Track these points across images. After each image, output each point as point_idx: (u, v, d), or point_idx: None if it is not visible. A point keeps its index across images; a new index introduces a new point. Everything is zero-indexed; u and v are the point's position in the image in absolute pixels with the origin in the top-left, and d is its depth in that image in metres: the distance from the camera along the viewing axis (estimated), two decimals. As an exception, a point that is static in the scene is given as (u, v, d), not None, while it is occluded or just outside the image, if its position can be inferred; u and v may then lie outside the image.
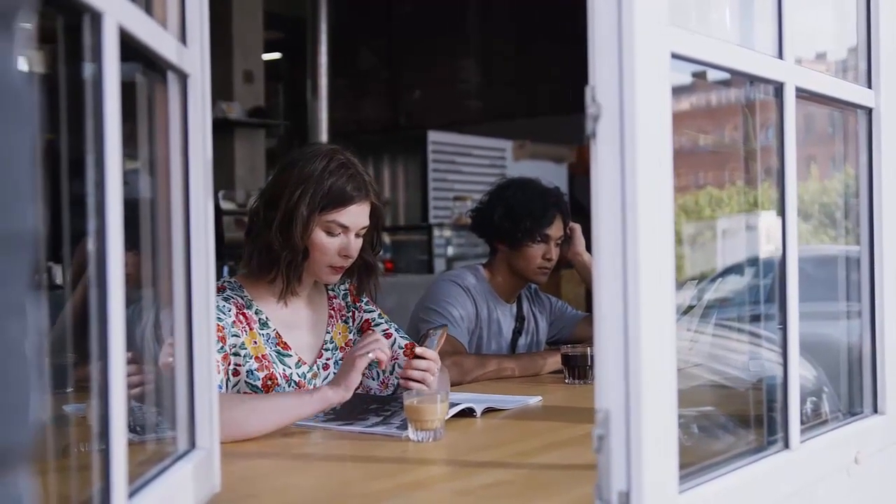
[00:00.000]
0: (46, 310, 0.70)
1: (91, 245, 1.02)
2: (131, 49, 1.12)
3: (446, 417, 1.94)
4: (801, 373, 1.59)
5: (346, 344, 2.39)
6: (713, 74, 1.56)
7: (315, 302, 2.38)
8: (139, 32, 1.13)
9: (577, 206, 4.88)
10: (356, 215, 2.22)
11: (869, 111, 1.84)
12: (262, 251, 2.22)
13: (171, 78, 1.35)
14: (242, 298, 2.24)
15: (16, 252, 0.58)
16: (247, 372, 2.17)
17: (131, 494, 1.09)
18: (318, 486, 1.64)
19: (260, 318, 2.25)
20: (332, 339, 2.38)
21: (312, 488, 1.63)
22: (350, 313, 2.43)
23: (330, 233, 2.21)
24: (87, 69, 1.03)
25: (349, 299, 2.44)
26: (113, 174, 1.02)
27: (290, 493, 1.61)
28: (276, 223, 2.19)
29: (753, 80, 1.58)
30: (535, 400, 2.38)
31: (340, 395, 2.00)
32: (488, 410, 2.21)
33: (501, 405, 2.26)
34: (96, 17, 1.00)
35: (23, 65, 0.61)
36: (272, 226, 2.19)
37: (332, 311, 2.41)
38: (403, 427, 1.93)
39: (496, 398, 2.31)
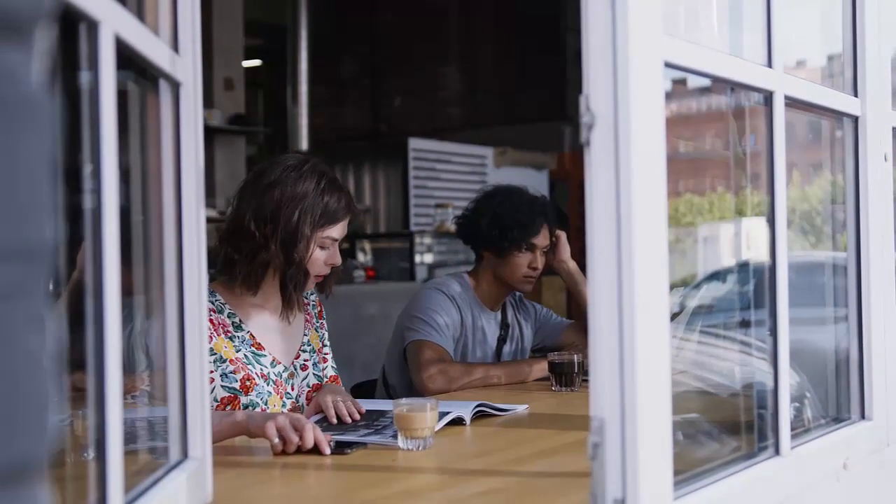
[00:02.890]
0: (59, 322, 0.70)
1: (87, 254, 1.02)
2: (124, 57, 1.11)
3: (438, 428, 1.94)
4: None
5: (318, 350, 2.47)
6: (693, 81, 1.56)
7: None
8: (134, 41, 1.12)
9: (558, 213, 4.89)
10: (344, 227, 2.34)
11: (855, 119, 1.85)
12: (260, 268, 2.27)
13: (164, 86, 1.34)
14: (213, 303, 2.27)
15: (34, 264, 0.58)
16: (222, 376, 2.21)
17: (127, 505, 1.09)
18: (309, 497, 1.64)
19: (233, 322, 2.29)
20: (308, 341, 2.45)
21: (304, 498, 1.62)
22: (318, 324, 2.53)
23: (323, 247, 2.30)
24: (83, 77, 1.02)
25: (316, 311, 2.53)
26: (109, 182, 1.02)
27: (282, 503, 1.61)
28: (278, 243, 2.24)
29: (744, 88, 1.60)
30: (522, 408, 2.38)
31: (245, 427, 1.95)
32: (479, 415, 2.21)
33: (491, 408, 2.27)
34: (93, 26, 1.00)
35: (40, 76, 0.60)
36: (269, 244, 2.24)
37: (308, 316, 2.48)
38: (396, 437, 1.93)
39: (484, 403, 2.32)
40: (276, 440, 1.83)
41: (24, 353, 0.56)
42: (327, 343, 2.55)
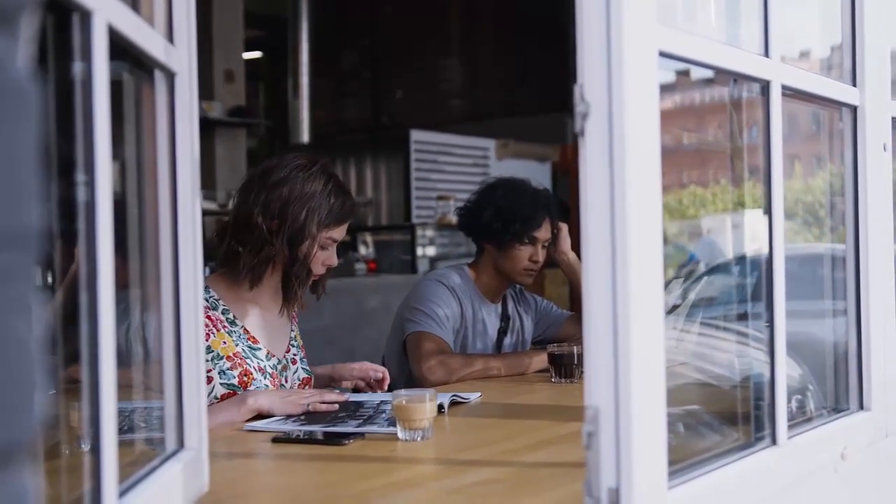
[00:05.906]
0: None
1: (80, 246, 1.02)
2: (118, 47, 1.11)
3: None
4: (786, 371, 1.60)
5: (301, 347, 2.52)
6: (697, 73, 1.56)
7: (279, 302, 2.43)
8: (128, 31, 1.12)
9: (561, 206, 4.88)
10: (345, 230, 2.39)
11: (854, 109, 1.85)
12: (264, 262, 2.30)
13: (159, 77, 1.34)
14: (207, 300, 2.28)
15: (22, 249, 0.58)
16: (219, 373, 2.23)
17: (121, 494, 1.09)
18: (306, 486, 1.64)
19: (227, 317, 2.32)
20: (295, 336, 2.49)
21: (301, 488, 1.63)
22: (297, 322, 2.56)
23: (323, 247, 2.34)
24: (76, 67, 1.02)
25: (297, 310, 2.55)
26: (102, 174, 1.02)
27: (279, 493, 1.61)
28: (285, 239, 2.27)
29: (740, 78, 1.59)
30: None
31: (260, 404, 2.14)
32: (454, 404, 2.26)
33: (460, 398, 2.32)
34: (86, 16, 0.99)
35: (26, 63, 0.60)
36: (274, 240, 2.27)
37: (294, 314, 2.52)
38: (391, 424, 1.93)
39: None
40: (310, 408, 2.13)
41: (9, 337, 0.57)
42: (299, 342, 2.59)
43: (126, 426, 1.38)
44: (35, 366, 0.59)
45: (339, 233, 2.36)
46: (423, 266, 7.41)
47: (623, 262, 1.17)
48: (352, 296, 5.86)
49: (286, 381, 2.39)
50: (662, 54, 1.26)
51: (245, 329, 2.33)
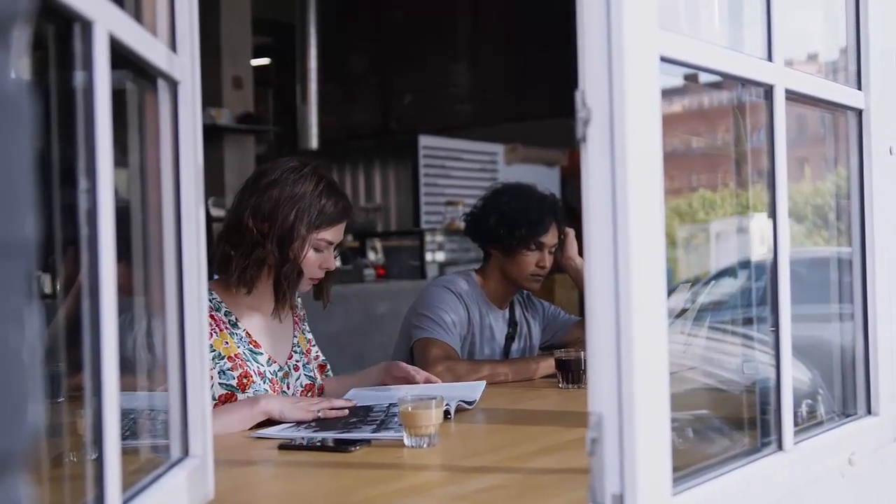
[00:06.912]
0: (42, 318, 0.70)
1: (83, 254, 1.02)
2: (121, 56, 1.12)
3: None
4: (795, 375, 1.59)
5: (306, 351, 2.51)
6: (704, 77, 1.56)
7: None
8: (129, 40, 1.13)
9: (569, 210, 4.88)
10: (339, 232, 2.38)
11: (859, 112, 1.84)
12: (255, 265, 2.30)
13: (162, 85, 1.35)
14: (211, 301, 2.30)
15: (15, 259, 0.58)
16: (220, 373, 2.24)
17: (125, 502, 1.09)
18: (312, 494, 1.64)
19: (230, 320, 2.33)
20: (298, 342, 2.49)
21: (307, 495, 1.63)
22: (304, 325, 2.56)
23: (317, 249, 2.34)
24: (78, 77, 1.03)
25: (302, 313, 2.57)
26: (104, 182, 1.02)
27: (284, 500, 1.61)
28: (275, 240, 2.27)
29: (743, 82, 1.59)
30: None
31: (271, 408, 2.12)
32: (459, 410, 2.25)
33: (467, 396, 2.31)
34: (87, 26, 1.00)
35: (20, 73, 0.61)
36: (265, 242, 2.28)
37: (296, 319, 2.52)
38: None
39: (448, 386, 2.40)
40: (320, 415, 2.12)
41: (2, 347, 0.57)
42: (314, 341, 2.59)
43: (129, 431, 1.38)
44: (28, 376, 0.59)
45: (333, 234, 2.35)
46: (432, 271, 7.41)
47: (625, 267, 1.17)
48: (361, 301, 5.86)
49: (288, 388, 2.39)
50: (664, 59, 1.26)
51: (247, 333, 2.34)
